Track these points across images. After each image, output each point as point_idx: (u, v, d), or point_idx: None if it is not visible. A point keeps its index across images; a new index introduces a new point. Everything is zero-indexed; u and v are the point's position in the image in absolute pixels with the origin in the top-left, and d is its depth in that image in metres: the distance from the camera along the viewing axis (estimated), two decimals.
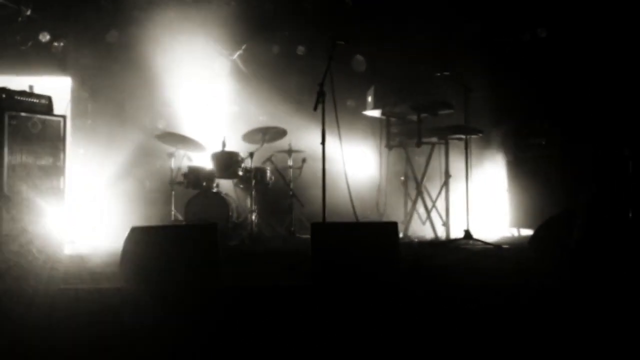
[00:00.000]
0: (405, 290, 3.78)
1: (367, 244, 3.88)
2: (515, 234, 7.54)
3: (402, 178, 7.28)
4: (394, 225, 3.97)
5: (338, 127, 5.29)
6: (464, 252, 5.75)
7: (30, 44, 7.72)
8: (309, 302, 3.72)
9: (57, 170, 5.78)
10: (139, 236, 3.87)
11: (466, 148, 6.35)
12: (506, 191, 7.89)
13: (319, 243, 3.88)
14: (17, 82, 6.08)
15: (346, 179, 5.51)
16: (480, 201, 7.26)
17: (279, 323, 3.49)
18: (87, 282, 4.14)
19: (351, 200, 5.56)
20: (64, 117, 5.95)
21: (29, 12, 7.64)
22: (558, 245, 5.03)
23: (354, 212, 5.64)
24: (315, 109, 4.76)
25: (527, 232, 7.45)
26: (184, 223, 6.60)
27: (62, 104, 7.13)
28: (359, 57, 8.11)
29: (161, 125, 7.76)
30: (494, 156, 7.90)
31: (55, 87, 7.32)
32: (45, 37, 7.76)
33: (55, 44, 7.85)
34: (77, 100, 7.80)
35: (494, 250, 5.86)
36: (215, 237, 3.97)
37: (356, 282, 3.78)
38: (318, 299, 3.73)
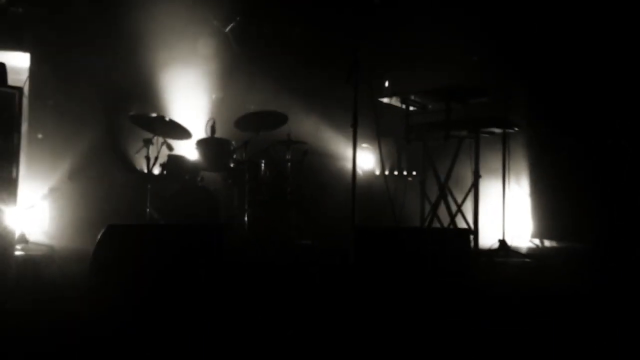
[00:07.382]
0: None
1: (431, 260, 2.85)
2: (539, 244, 6.66)
3: (410, 179, 6.34)
4: (464, 234, 2.96)
5: (375, 114, 4.14)
6: (511, 268, 4.80)
7: None
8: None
9: (8, 154, 4.61)
10: (117, 239, 2.80)
11: (504, 144, 5.48)
12: (528, 196, 7.03)
13: (366, 258, 2.77)
14: None
15: (385, 179, 4.38)
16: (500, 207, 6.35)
17: None
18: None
19: (391, 203, 4.35)
20: (19, 89, 4.85)
21: None
22: None
23: (395, 217, 4.42)
24: (347, 81, 3.76)
25: (552, 243, 6.65)
26: (162, 223, 5.51)
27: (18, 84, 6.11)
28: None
29: (136, 108, 6.61)
30: (516, 156, 7.00)
31: (11, 64, 6.35)
32: None
33: (13, 8, 6.65)
34: (36, 78, 6.51)
35: (540, 266, 4.96)
36: (221, 242, 2.91)
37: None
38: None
